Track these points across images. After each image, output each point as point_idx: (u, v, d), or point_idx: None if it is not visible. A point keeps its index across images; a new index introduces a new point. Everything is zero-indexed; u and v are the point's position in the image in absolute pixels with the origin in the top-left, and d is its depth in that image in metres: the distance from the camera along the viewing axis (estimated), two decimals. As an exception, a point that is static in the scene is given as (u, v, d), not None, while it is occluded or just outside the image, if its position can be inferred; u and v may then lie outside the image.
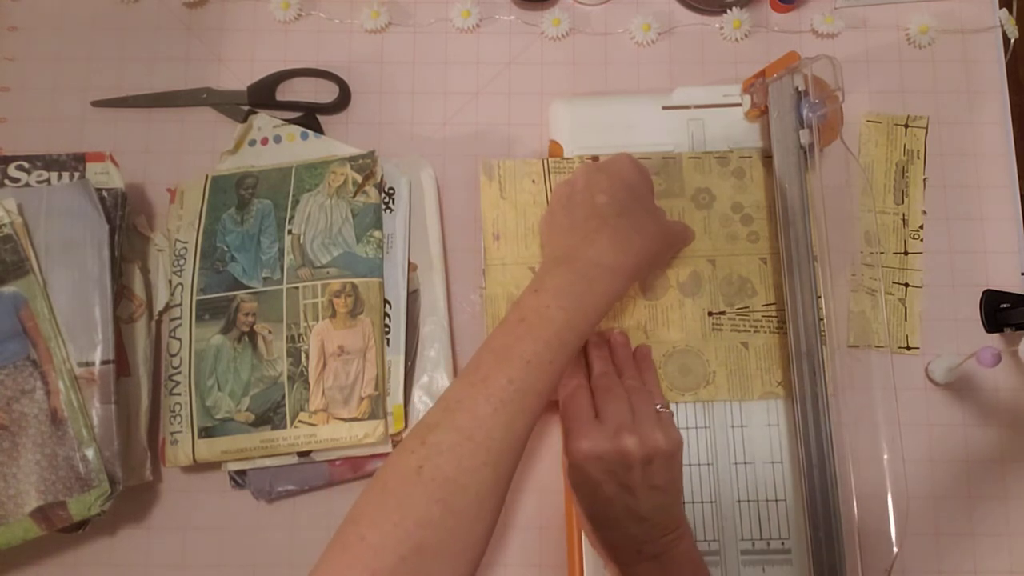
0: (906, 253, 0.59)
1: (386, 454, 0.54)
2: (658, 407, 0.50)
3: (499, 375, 0.43)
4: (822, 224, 0.53)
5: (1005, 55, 0.63)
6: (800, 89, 0.54)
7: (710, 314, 0.56)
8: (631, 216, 0.50)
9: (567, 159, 0.58)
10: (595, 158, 0.58)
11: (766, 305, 0.56)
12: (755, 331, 0.56)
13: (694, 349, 0.56)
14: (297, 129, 0.60)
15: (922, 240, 0.59)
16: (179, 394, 0.54)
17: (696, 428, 0.55)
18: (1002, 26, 0.63)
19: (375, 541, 0.39)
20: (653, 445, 0.47)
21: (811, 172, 0.54)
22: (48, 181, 0.56)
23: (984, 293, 0.58)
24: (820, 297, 0.53)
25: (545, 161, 0.58)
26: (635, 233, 0.49)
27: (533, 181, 0.58)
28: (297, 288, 0.55)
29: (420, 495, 0.40)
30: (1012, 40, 0.63)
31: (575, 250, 0.48)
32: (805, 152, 0.54)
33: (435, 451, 0.41)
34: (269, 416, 0.53)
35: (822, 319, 0.53)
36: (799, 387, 0.52)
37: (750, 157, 0.58)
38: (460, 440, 0.41)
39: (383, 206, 0.57)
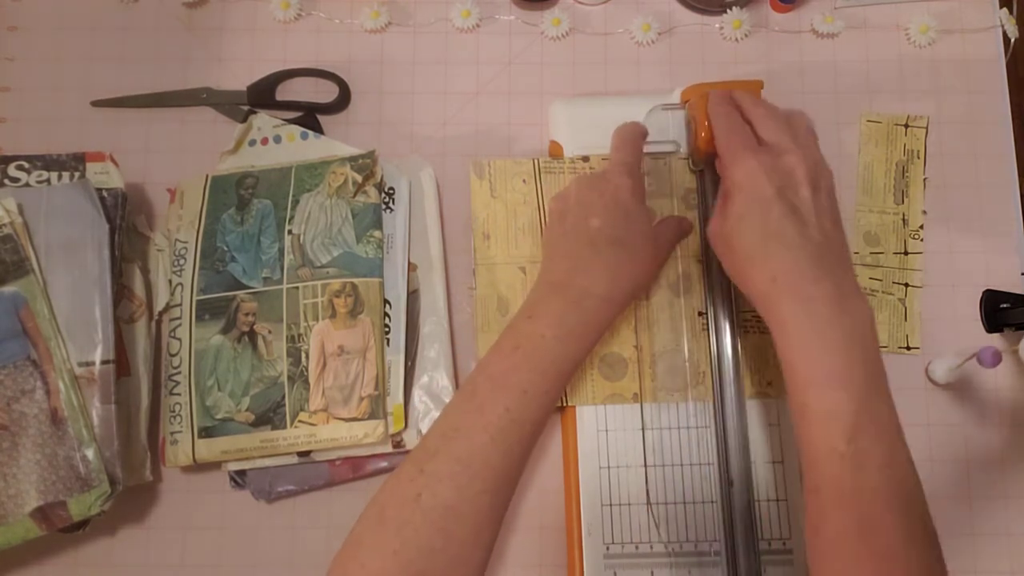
0: (906, 253, 0.59)
1: (386, 454, 0.54)
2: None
3: (496, 404, 0.44)
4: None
5: (1005, 55, 0.63)
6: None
7: (700, 314, 0.56)
8: (625, 243, 0.49)
9: (558, 159, 0.58)
10: (585, 158, 0.58)
11: None
12: (744, 332, 0.56)
13: (684, 349, 0.56)
14: (297, 129, 0.60)
15: (922, 240, 0.59)
16: (179, 394, 0.54)
17: (696, 428, 0.55)
18: (1002, 26, 0.63)
19: (376, 570, 0.39)
20: (818, 167, 0.46)
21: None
22: (48, 181, 0.56)
23: (984, 293, 0.58)
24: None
25: (536, 161, 0.58)
26: (629, 262, 0.49)
27: (524, 181, 0.58)
28: (297, 288, 0.55)
29: (420, 523, 0.40)
30: (1012, 40, 0.63)
31: (569, 278, 0.48)
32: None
33: (434, 479, 0.42)
34: (269, 416, 0.53)
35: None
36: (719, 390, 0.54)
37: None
38: (458, 469, 0.42)
39: (383, 206, 0.57)
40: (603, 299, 0.48)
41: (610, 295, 0.48)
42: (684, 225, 0.56)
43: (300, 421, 0.53)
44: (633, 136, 0.53)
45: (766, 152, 0.46)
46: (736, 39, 0.63)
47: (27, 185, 0.55)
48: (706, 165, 0.55)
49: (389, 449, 0.54)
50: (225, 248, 0.56)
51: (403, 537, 0.40)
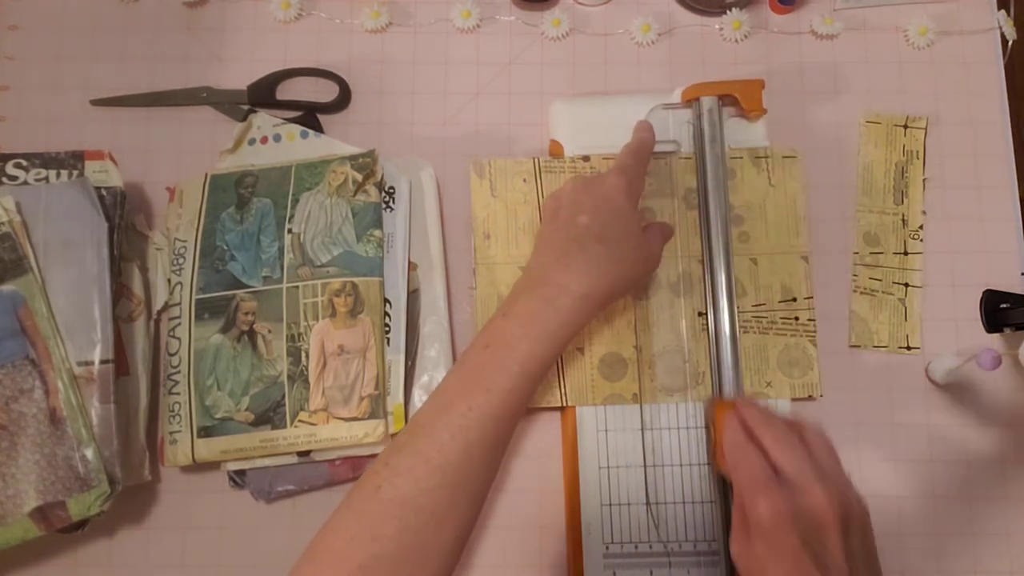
0: (906, 253, 0.59)
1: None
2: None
3: (460, 401, 0.45)
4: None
5: (1003, 56, 0.63)
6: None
7: (700, 314, 0.56)
8: (611, 242, 0.49)
9: (558, 159, 0.58)
10: (585, 158, 0.58)
11: (756, 306, 0.56)
12: (744, 331, 0.56)
13: (683, 349, 0.55)
14: (297, 128, 0.60)
15: (922, 240, 0.59)
16: (178, 393, 0.54)
17: (697, 428, 0.55)
18: (1000, 27, 0.63)
19: (337, 551, 0.42)
20: (846, 504, 0.42)
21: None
22: (47, 179, 0.55)
23: (984, 293, 0.58)
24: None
25: (536, 160, 0.58)
26: (612, 261, 0.48)
27: (524, 180, 0.58)
28: (297, 287, 0.55)
29: (376, 513, 0.43)
30: (1010, 41, 0.63)
31: (548, 273, 0.48)
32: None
33: (394, 472, 0.43)
34: (269, 416, 0.53)
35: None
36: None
37: (741, 157, 0.58)
38: (418, 463, 0.43)
39: (383, 205, 0.57)
40: (580, 297, 0.47)
41: (588, 293, 0.47)
42: (666, 230, 0.55)
43: (300, 421, 0.53)
44: (641, 144, 0.53)
45: (787, 491, 0.42)
46: (736, 40, 0.63)
47: (25, 183, 0.55)
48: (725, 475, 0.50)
49: (389, 449, 0.54)
50: (225, 247, 0.56)
51: (361, 524, 0.42)
